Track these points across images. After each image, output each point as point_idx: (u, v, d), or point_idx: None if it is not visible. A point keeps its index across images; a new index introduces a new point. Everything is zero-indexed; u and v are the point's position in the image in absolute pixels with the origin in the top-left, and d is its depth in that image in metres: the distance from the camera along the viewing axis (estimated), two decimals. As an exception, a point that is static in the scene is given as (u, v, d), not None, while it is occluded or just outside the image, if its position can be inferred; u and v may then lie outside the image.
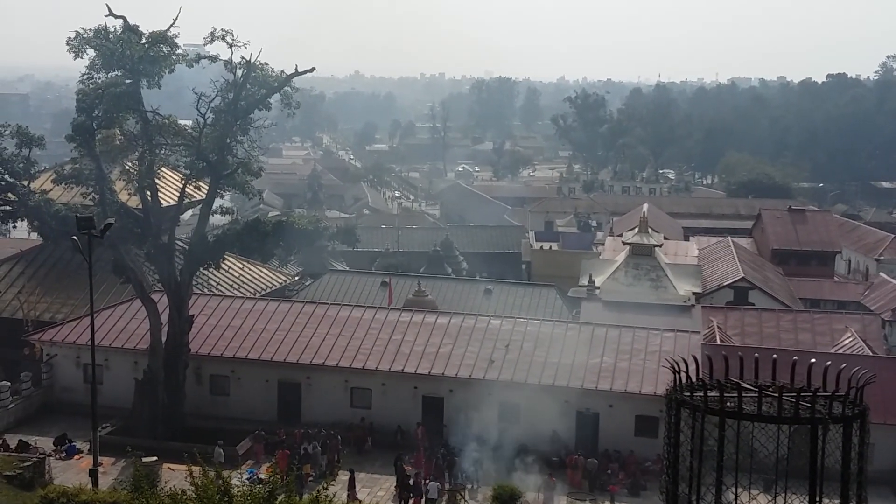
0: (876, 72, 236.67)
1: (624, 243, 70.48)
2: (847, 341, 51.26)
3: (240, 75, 43.39)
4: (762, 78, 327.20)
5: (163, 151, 45.95)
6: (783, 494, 14.00)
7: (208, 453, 35.54)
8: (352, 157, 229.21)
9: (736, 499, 14.08)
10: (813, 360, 14.93)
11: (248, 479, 33.28)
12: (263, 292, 59.98)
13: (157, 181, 45.56)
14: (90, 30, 42.48)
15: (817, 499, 13.65)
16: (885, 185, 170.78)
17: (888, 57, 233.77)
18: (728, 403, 13.99)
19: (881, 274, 79.97)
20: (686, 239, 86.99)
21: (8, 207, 46.09)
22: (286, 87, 44.20)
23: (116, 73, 42.44)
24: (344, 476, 39.93)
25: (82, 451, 42.55)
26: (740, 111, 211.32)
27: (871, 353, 48.69)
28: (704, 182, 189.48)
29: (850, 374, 14.33)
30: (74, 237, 37.79)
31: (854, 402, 14.09)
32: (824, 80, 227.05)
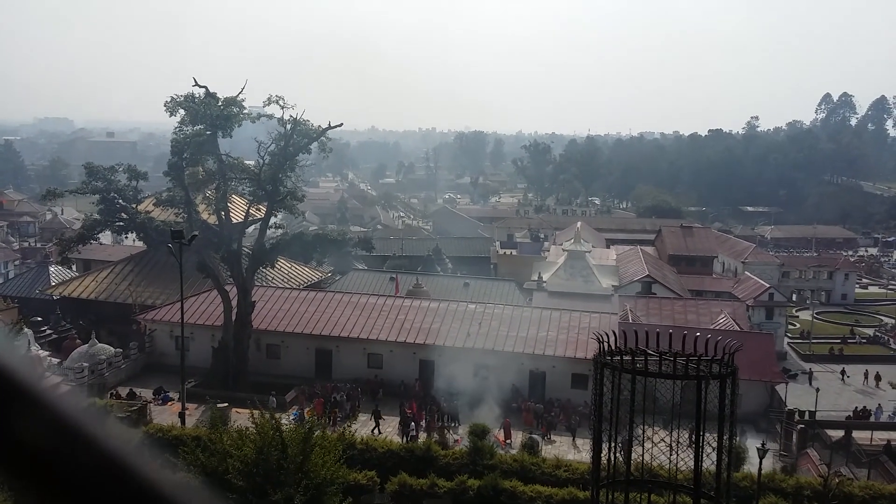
0: (743, 128, 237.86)
1: (563, 250, 70.74)
2: (722, 320, 51.49)
3: (289, 129, 43.28)
4: (662, 132, 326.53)
5: (232, 183, 45.82)
6: (677, 430, 14.05)
7: (265, 401, 35.42)
8: (369, 187, 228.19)
9: (643, 433, 14.11)
10: (697, 334, 14.97)
11: (293, 419, 33.20)
12: (305, 284, 59.76)
13: (228, 205, 45.33)
14: (181, 96, 42.38)
15: (701, 432, 13.69)
16: (749, 209, 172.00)
17: (752, 117, 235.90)
18: (637, 365, 14.03)
19: (746, 272, 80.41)
20: (608, 247, 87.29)
21: (122, 223, 45.96)
22: (322, 138, 44.10)
23: (199, 126, 42.25)
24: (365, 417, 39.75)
25: (174, 399, 42.32)
26: (647, 156, 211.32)
27: (739, 329, 48.93)
28: (621, 206, 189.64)
29: (724, 345, 14.40)
30: (169, 245, 37.64)
31: (727, 364, 14.16)
32: (707, 133, 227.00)
